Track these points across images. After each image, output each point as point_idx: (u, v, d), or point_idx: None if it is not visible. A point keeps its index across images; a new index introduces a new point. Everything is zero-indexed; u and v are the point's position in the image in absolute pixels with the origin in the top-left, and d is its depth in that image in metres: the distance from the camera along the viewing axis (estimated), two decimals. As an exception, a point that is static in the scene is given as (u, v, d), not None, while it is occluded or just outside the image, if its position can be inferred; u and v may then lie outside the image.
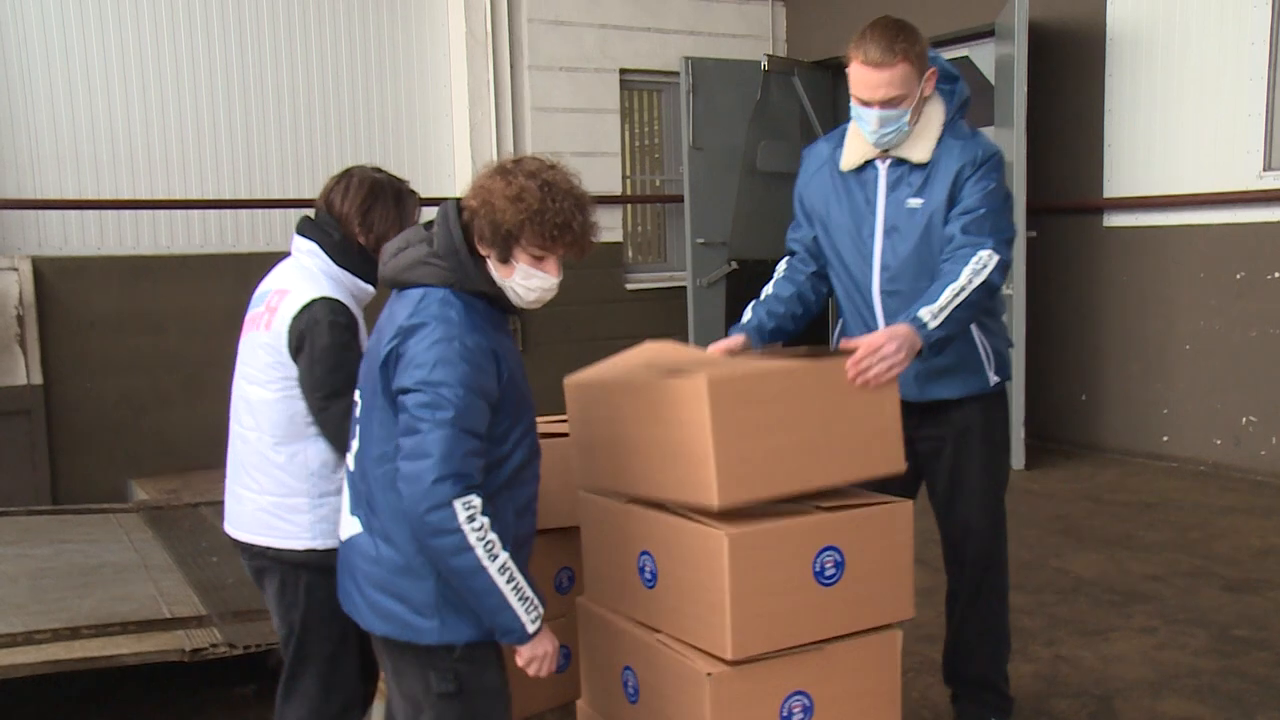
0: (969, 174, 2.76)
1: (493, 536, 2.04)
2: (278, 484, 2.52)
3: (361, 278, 2.57)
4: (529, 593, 2.11)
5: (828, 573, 2.35)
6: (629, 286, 8.20)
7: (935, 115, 2.81)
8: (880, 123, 2.74)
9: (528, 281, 2.17)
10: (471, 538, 2.02)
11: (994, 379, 2.95)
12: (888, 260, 2.85)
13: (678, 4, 8.19)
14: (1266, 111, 5.97)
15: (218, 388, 6.29)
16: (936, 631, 3.80)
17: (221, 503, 2.70)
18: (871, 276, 2.89)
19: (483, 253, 2.16)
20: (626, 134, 8.34)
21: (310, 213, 2.65)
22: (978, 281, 2.65)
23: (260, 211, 6.93)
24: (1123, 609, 4.16)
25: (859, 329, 2.91)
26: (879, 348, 2.44)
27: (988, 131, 6.84)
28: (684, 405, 2.27)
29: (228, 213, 6.88)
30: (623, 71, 8.04)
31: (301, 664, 2.61)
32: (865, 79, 2.72)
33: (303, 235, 2.59)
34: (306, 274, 2.54)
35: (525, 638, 2.14)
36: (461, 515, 2.01)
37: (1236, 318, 6.16)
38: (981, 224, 2.73)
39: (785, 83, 8.15)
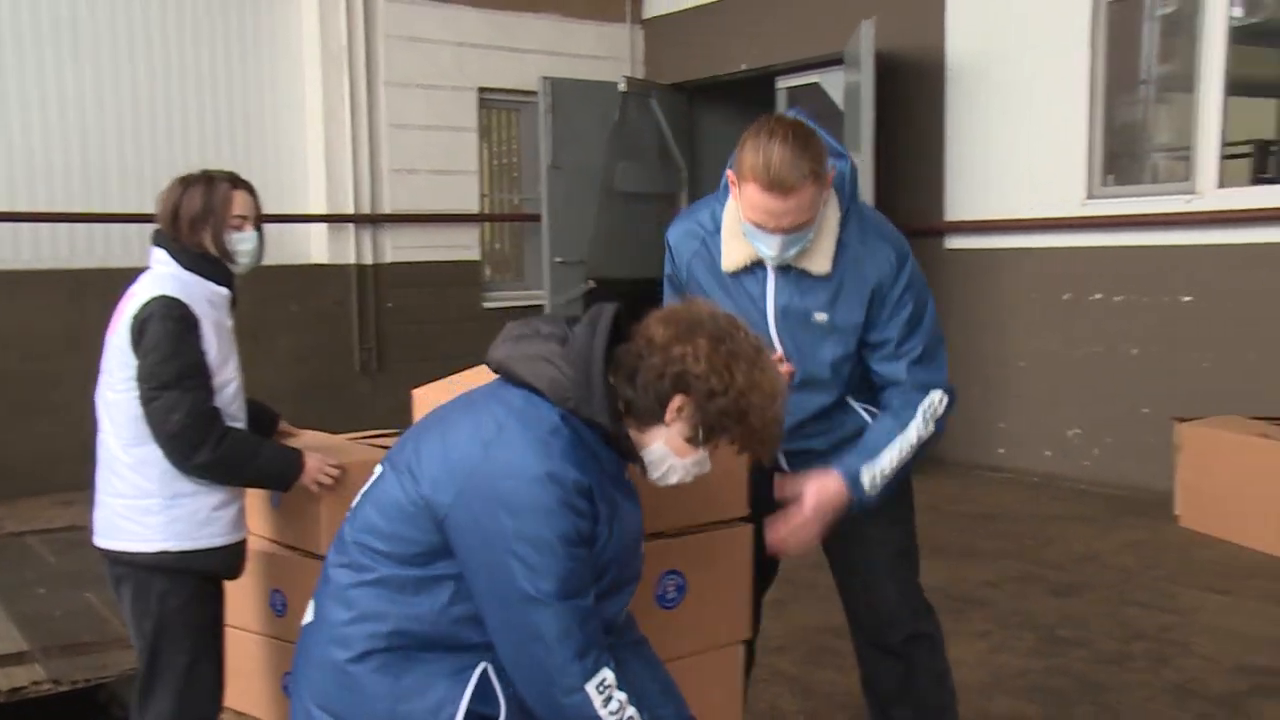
0: (889, 292, 2.39)
1: (625, 704, 1.72)
2: (130, 486, 2.50)
3: (211, 279, 2.58)
4: None
5: (669, 596, 2.40)
6: (486, 305, 8.19)
7: (830, 213, 2.38)
8: (783, 247, 2.31)
9: (696, 468, 1.83)
10: (603, 712, 1.70)
11: None
12: (789, 352, 2.46)
13: (536, 24, 8.24)
14: (1087, 144, 6.35)
15: (51, 410, 6.17)
16: (785, 642, 3.95)
17: (50, 530, 2.67)
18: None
19: (668, 422, 1.77)
20: (485, 152, 8.33)
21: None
22: (927, 434, 2.41)
23: (99, 226, 6.65)
24: (960, 615, 4.36)
25: None
26: (801, 527, 2.30)
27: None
28: None
29: (62, 226, 6.60)
30: (481, 90, 8.05)
31: (154, 676, 2.54)
32: (766, 205, 2.24)
33: (155, 245, 2.62)
34: (154, 279, 2.56)
35: None
36: (597, 700, 1.69)
37: (1064, 337, 6.51)
38: (929, 359, 2.43)
39: (643, 104, 8.28)
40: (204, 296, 2.55)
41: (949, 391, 2.44)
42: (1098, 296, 6.39)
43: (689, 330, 1.75)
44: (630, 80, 8.24)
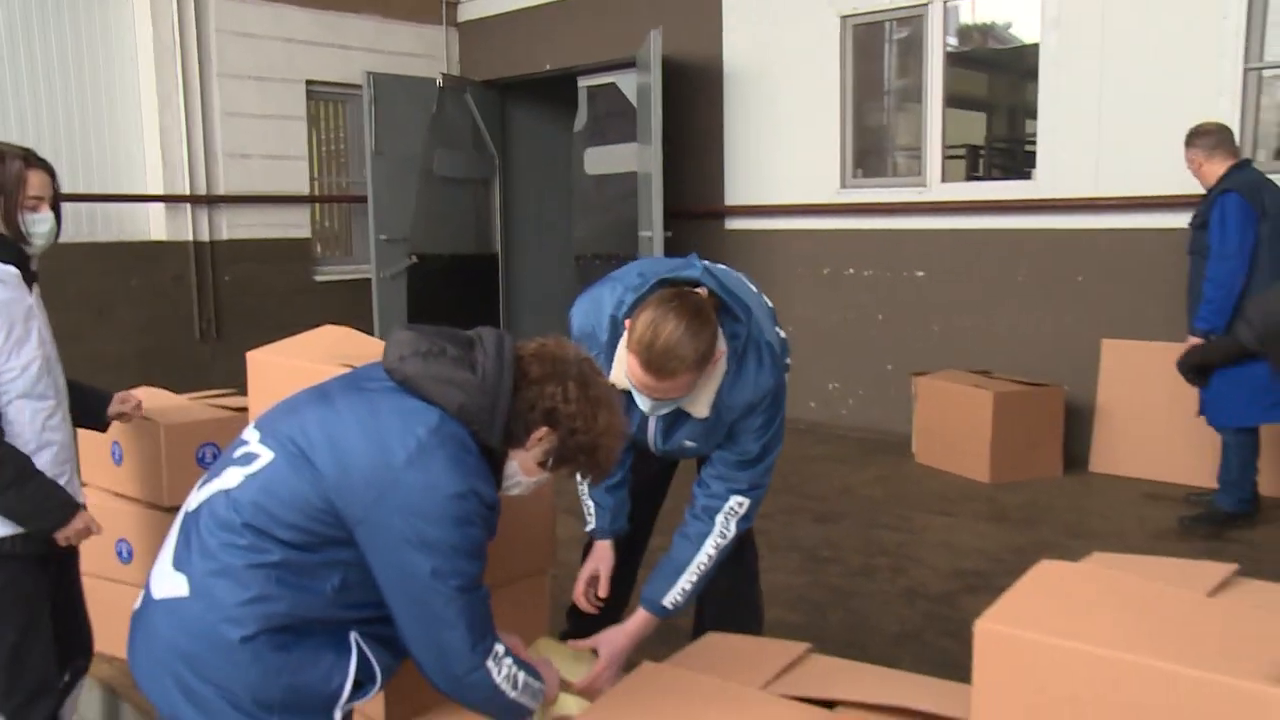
0: (747, 416, 2.34)
1: (514, 669, 1.79)
2: None
3: None
4: (536, 684, 1.86)
5: None
6: (318, 279, 7.97)
7: (717, 369, 2.26)
8: (654, 408, 2.25)
9: (535, 484, 1.86)
10: (504, 685, 1.77)
11: None
12: (659, 448, 2.49)
13: (359, 24, 8.00)
14: (840, 142, 6.60)
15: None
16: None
17: None
18: (649, 444, 2.53)
19: (525, 446, 1.78)
20: (314, 139, 8.07)
21: None
22: (726, 541, 2.39)
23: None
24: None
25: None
26: (606, 675, 2.28)
27: (629, 148, 7.23)
28: None
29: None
30: (309, 82, 7.77)
31: None
32: (641, 379, 2.13)
33: None
34: None
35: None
36: (494, 672, 1.75)
37: (825, 305, 6.77)
38: (752, 464, 2.38)
39: (458, 98, 8.18)
40: None
41: (753, 494, 2.39)
42: (850, 271, 6.66)
43: (560, 371, 1.77)
44: (446, 76, 8.13)
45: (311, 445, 1.68)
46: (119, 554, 2.95)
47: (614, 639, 2.34)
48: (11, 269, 2.24)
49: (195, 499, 1.76)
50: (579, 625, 2.75)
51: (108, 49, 6.88)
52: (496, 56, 8.44)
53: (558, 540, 2.67)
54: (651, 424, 2.44)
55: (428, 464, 1.64)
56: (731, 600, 2.81)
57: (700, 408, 2.29)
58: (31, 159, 2.29)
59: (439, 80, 8.01)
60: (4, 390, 2.23)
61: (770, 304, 2.62)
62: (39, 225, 2.28)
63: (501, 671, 1.76)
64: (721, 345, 2.22)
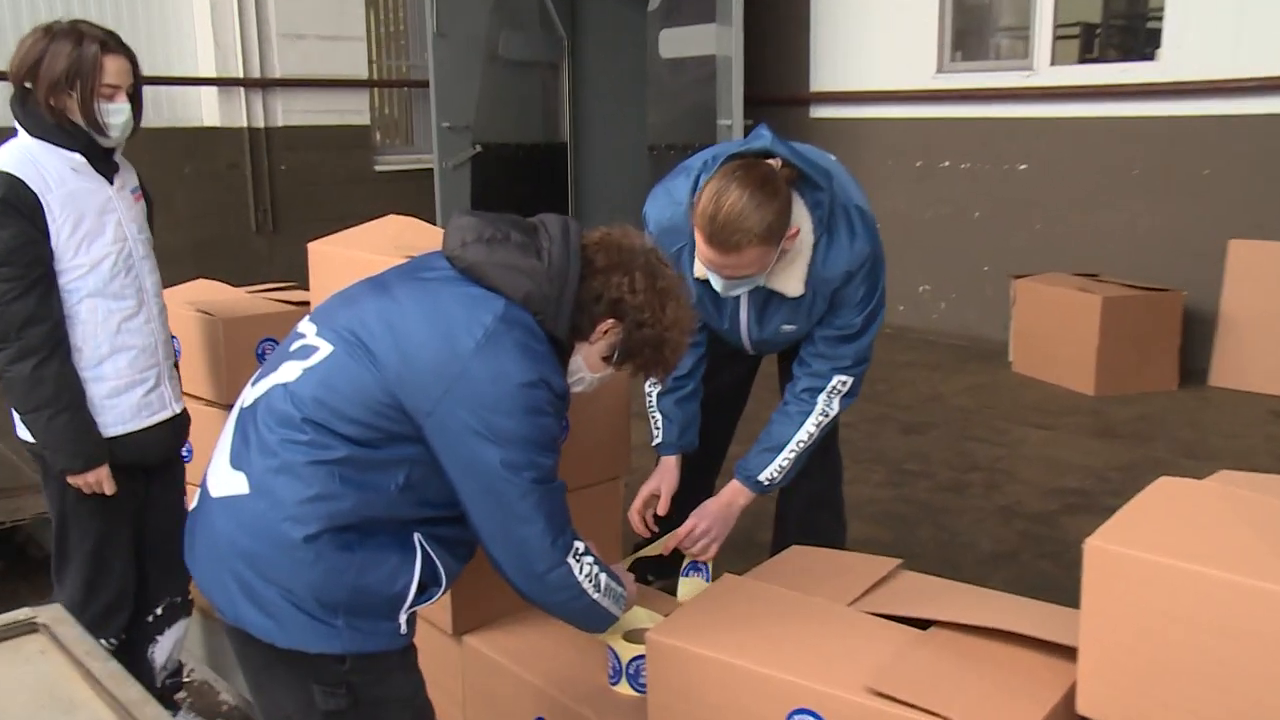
0: (846, 290, 2.34)
1: (595, 569, 1.80)
2: None
3: (64, 146, 2.20)
4: (618, 588, 1.88)
5: None
6: (377, 168, 7.97)
7: (803, 243, 2.27)
8: (728, 287, 2.27)
9: (601, 380, 1.86)
10: (587, 584, 1.78)
11: None
12: (755, 346, 2.59)
13: (419, -110, 7.84)
14: (939, 22, 6.38)
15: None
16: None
17: None
18: (741, 341, 2.59)
19: (590, 339, 1.77)
20: (371, 19, 8.00)
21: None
22: (826, 420, 2.42)
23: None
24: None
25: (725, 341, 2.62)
26: (702, 532, 2.37)
27: (708, 29, 7.06)
28: None
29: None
30: (366, -45, 7.67)
31: (63, 558, 2.39)
32: (708, 255, 2.17)
33: (10, 108, 2.23)
34: (3, 149, 2.19)
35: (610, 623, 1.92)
36: (576, 570, 1.76)
37: (916, 201, 6.65)
38: (854, 338, 2.39)
39: (525, -27, 8.02)
40: (60, 165, 2.20)
41: (857, 369, 2.41)
42: (946, 164, 6.51)
43: (626, 261, 1.76)
44: (513, -50, 7.96)
45: (372, 336, 1.67)
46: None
47: (706, 504, 2.40)
48: (78, 157, 2.22)
49: (251, 394, 1.75)
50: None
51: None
52: (565, -73, 8.24)
53: (632, 445, 2.66)
54: (744, 314, 2.45)
55: (496, 352, 1.63)
56: (814, 510, 2.83)
57: (793, 284, 2.30)
58: (110, 44, 2.23)
59: (504, -46, 7.83)
60: (74, 288, 2.22)
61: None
62: (114, 115, 2.23)
63: (583, 570, 1.77)
64: (801, 217, 2.23)
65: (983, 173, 6.36)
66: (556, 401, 1.69)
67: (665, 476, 2.60)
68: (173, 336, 2.98)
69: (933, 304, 6.70)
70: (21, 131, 2.21)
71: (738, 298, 2.42)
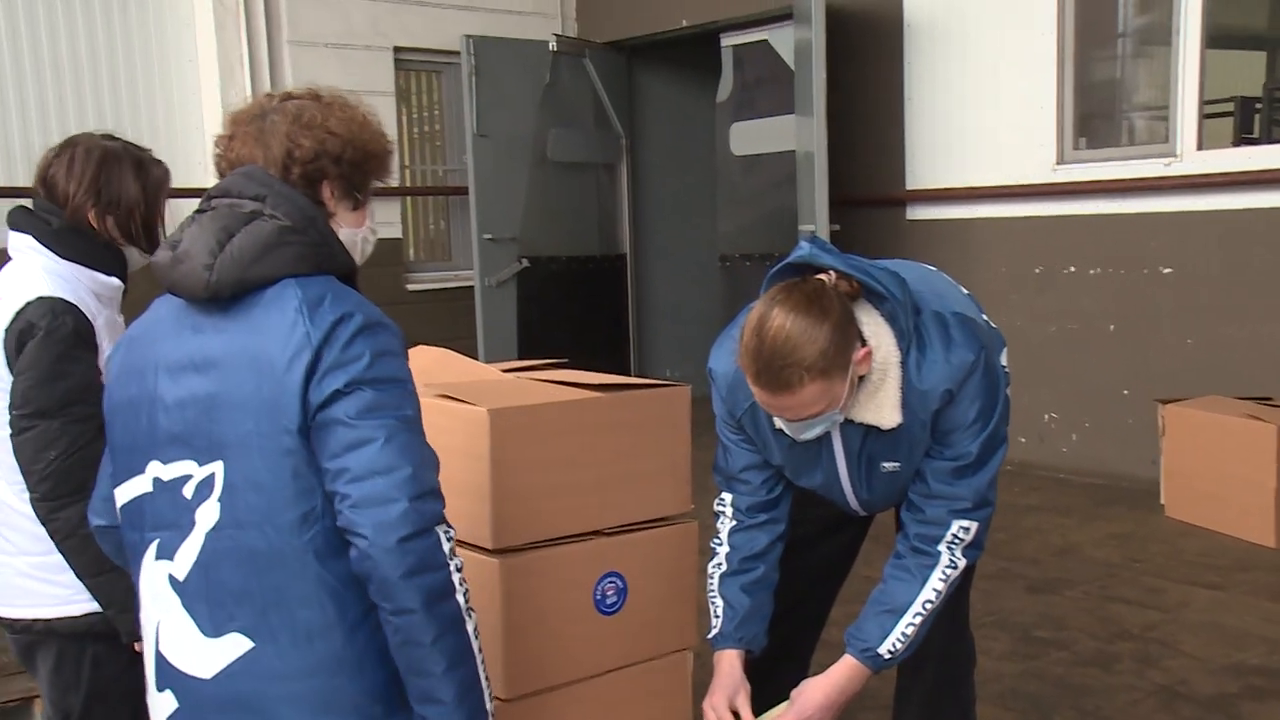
0: (951, 405, 2.24)
1: (464, 579, 1.70)
2: (33, 539, 2.22)
3: (100, 270, 2.29)
4: (485, 671, 1.76)
5: (609, 600, 2.36)
6: (411, 287, 8.10)
7: (887, 361, 2.20)
8: (800, 429, 2.19)
9: (371, 226, 1.97)
10: (455, 576, 1.67)
11: None
12: (864, 503, 2.47)
13: (456, -23, 8.15)
14: (1057, 103, 6.36)
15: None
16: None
17: None
18: (846, 500, 2.49)
19: (330, 207, 1.85)
20: (404, 119, 8.23)
21: (27, 202, 2.36)
22: (953, 577, 2.31)
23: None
24: (928, 617, 4.35)
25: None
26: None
27: (786, 121, 7.13)
28: (462, 433, 2.24)
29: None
30: (397, 50, 7.92)
31: None
32: (761, 398, 2.15)
33: (16, 229, 2.30)
34: (23, 276, 2.24)
35: None
36: (445, 544, 1.66)
37: (1036, 313, 6.53)
38: (973, 469, 2.28)
39: (576, 65, 8.21)
40: (93, 292, 2.27)
41: (979, 514, 2.30)
42: (1071, 269, 6.41)
43: (264, 130, 1.81)
44: (561, 39, 8.18)
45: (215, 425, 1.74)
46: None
47: (811, 690, 2.30)
48: (115, 282, 2.32)
49: (166, 569, 1.74)
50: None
51: (160, 13, 7.14)
52: (621, 12, 8.46)
53: (700, 609, 2.58)
54: (841, 462, 2.35)
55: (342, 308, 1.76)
56: (942, 692, 2.71)
57: (886, 414, 2.22)
58: (163, 164, 2.42)
59: (552, 43, 8.05)
60: None
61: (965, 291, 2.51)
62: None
63: (457, 564, 1.73)
64: (879, 333, 2.17)
65: (1117, 279, 6.24)
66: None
67: (729, 683, 2.42)
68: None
69: (1061, 435, 6.53)
70: (44, 255, 2.26)
71: (830, 446, 2.34)
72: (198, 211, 1.76)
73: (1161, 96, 6.27)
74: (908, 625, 2.30)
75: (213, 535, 1.68)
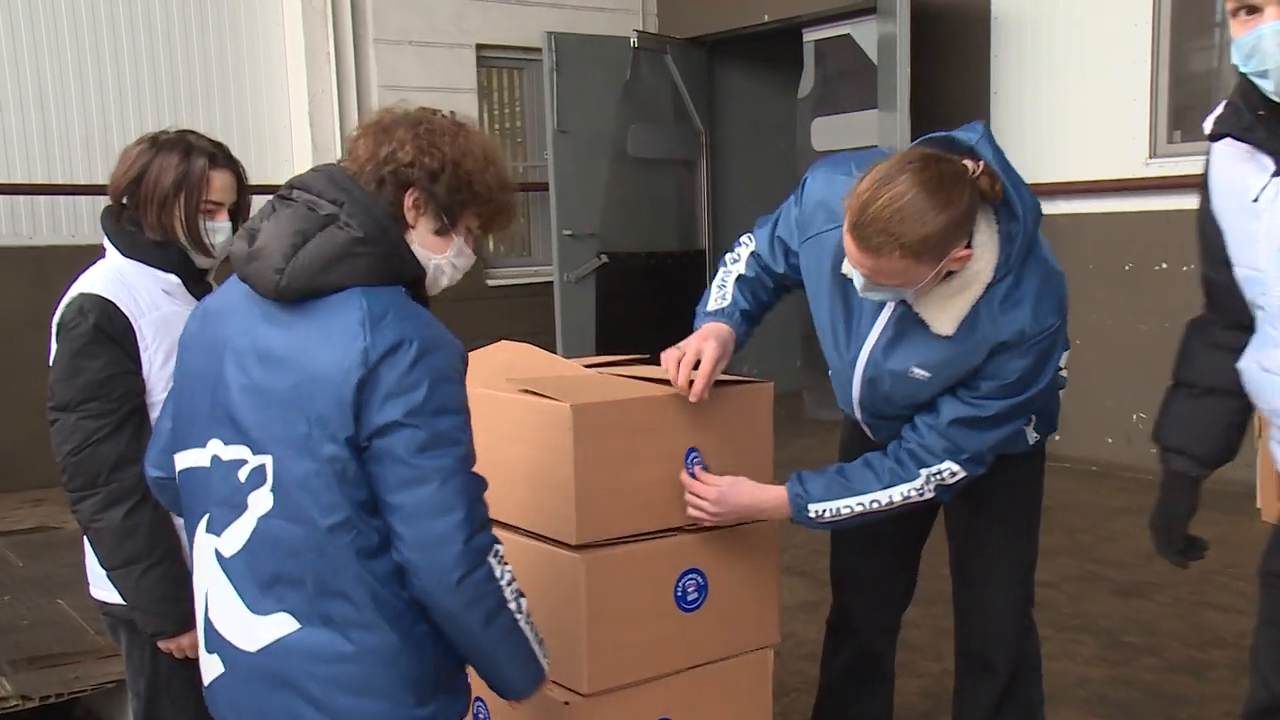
0: (1009, 351, 2.21)
1: (513, 579, 1.81)
2: None
3: (157, 265, 2.28)
4: (537, 630, 1.89)
5: (690, 597, 2.36)
6: (490, 283, 8.16)
7: (979, 272, 2.14)
8: (868, 287, 2.14)
9: (458, 260, 1.93)
10: (507, 592, 1.79)
11: (1033, 438, 2.61)
12: (866, 396, 2.43)
13: (538, -25, 8.19)
14: (1150, 96, 6.25)
15: (13, 400, 6.13)
16: (819, 649, 3.87)
17: (17, 532, 2.51)
18: (851, 386, 2.46)
19: (409, 219, 1.86)
20: (485, 115, 8.29)
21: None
22: (917, 497, 2.32)
23: (63, 199, 6.67)
24: (1012, 619, 4.29)
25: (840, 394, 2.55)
26: (712, 502, 2.28)
27: (869, 116, 7.08)
28: (545, 428, 2.25)
29: (21, 199, 6.60)
30: (479, 47, 8.00)
31: None
32: (847, 244, 2.07)
33: (102, 227, 2.35)
34: (87, 273, 2.29)
35: (539, 682, 1.92)
36: (498, 570, 1.77)
37: (1126, 310, 6.42)
38: (985, 427, 2.28)
39: (657, 61, 8.22)
40: (153, 288, 2.28)
41: (969, 466, 2.31)
42: (1163, 266, 6.30)
43: (386, 131, 1.85)
44: (642, 35, 8.19)
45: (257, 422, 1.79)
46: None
47: (742, 488, 2.31)
48: (173, 278, 2.30)
49: (214, 544, 1.83)
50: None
51: (251, 11, 7.28)
52: (702, 7, 8.46)
53: (784, 606, 2.61)
54: (874, 336, 2.31)
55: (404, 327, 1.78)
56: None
57: (944, 320, 2.18)
58: (219, 157, 2.33)
59: (633, 39, 8.07)
60: None
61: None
62: (216, 235, 2.32)
63: (507, 580, 1.80)
64: (985, 244, 2.12)
65: (1209, 276, 6.10)
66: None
67: (715, 336, 2.41)
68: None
69: (1150, 437, 6.37)
70: (112, 251, 2.30)
71: (874, 316, 2.31)
72: (277, 198, 1.80)
73: (1261, 86, 6.12)
74: (847, 507, 2.32)
75: (264, 521, 1.76)
